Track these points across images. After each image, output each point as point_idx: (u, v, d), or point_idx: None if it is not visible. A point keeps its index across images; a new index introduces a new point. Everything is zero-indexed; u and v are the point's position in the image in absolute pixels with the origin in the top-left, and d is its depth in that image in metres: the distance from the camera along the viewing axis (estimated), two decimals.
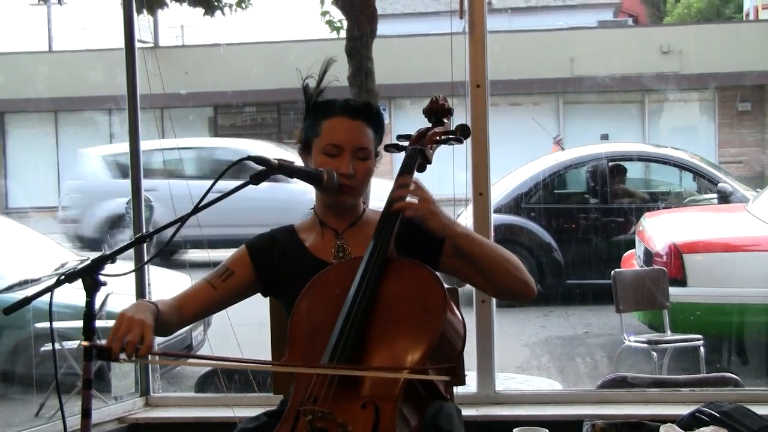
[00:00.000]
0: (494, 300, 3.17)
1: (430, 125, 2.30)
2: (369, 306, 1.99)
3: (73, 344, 5.21)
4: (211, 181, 1.99)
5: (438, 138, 2.26)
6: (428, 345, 1.94)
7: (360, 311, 1.97)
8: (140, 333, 1.92)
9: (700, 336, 5.37)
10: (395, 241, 2.11)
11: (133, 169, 3.56)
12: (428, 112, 2.31)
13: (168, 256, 7.97)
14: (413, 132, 2.30)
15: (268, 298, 2.36)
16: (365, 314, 1.98)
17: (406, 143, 2.28)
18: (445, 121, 2.31)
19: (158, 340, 5.25)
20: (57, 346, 5.21)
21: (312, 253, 2.23)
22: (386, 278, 2.04)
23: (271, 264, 2.24)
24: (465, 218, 2.23)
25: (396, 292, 2.03)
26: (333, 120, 2.20)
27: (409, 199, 2.07)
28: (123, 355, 1.90)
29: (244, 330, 3.70)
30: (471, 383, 3.11)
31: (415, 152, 2.20)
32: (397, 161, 2.23)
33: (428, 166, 2.25)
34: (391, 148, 2.30)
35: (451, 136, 2.27)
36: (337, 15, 8.37)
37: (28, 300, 1.94)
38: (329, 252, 2.23)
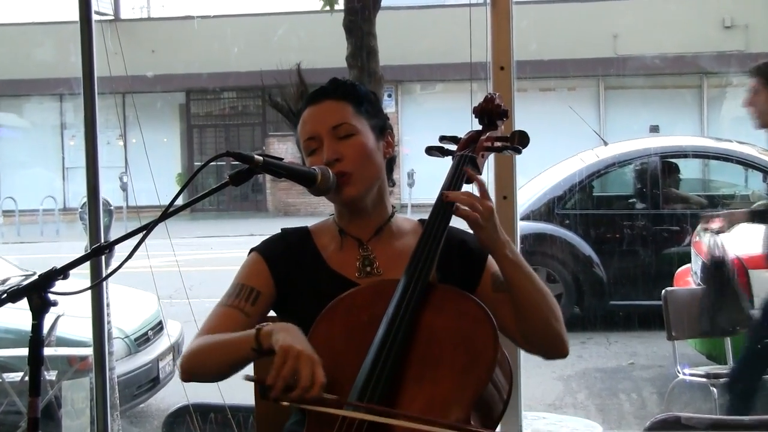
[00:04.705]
0: None
1: (480, 128, 2.28)
2: (406, 340, 1.96)
3: (15, 376, 5.20)
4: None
5: (491, 144, 2.25)
6: (473, 395, 1.91)
7: (396, 345, 1.93)
8: (310, 371, 1.85)
9: None
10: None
11: (89, 166, 3.57)
12: (480, 113, 2.29)
13: None
14: (460, 134, 2.28)
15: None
16: (401, 350, 1.94)
17: (452, 147, 2.27)
18: (499, 124, 2.29)
19: (117, 371, 5.21)
20: None
21: (330, 266, 2.21)
22: (426, 308, 2.01)
23: (286, 272, 2.21)
24: None
25: (437, 326, 1.99)
26: (302, 118, 2.24)
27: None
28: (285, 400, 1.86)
29: None
30: None
31: (464, 160, 2.18)
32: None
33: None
34: (434, 152, 2.28)
35: (507, 144, 2.25)
36: None
37: None
38: (352, 265, 2.20)
